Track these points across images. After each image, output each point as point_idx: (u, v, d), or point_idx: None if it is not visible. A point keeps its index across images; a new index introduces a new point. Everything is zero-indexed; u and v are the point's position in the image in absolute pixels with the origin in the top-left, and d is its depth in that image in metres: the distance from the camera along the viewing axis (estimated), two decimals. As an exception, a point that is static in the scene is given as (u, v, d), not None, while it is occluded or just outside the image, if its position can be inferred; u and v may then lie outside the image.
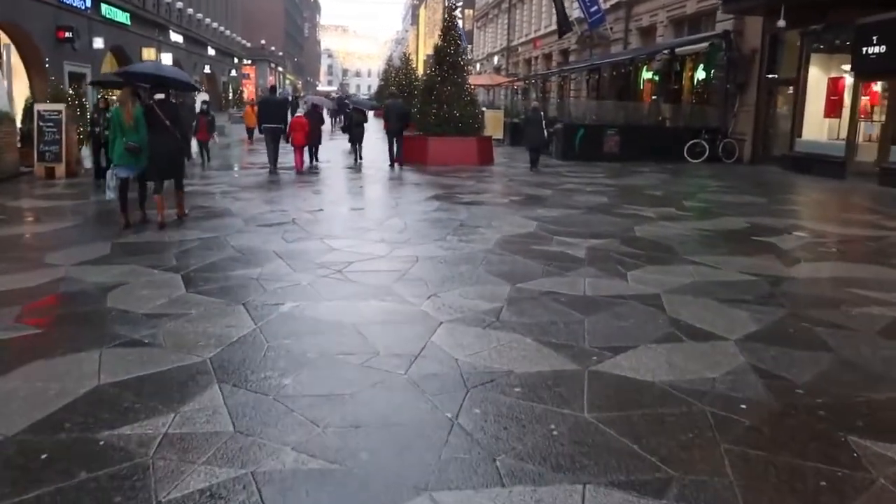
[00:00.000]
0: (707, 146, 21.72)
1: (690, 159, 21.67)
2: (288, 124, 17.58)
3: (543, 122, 19.28)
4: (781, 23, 18.12)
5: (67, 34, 27.87)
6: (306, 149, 17.88)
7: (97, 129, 14.24)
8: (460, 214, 10.46)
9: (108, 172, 9.76)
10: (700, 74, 25.78)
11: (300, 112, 22.29)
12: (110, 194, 9.65)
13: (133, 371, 4.28)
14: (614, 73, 31.38)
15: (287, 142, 17.24)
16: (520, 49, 51.85)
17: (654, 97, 27.69)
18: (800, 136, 19.43)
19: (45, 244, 8.18)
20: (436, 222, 9.77)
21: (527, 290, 6.21)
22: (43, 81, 26.49)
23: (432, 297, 5.93)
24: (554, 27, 42.25)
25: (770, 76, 21.17)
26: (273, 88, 22.80)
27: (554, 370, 4.37)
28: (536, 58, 47.29)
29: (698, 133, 22.03)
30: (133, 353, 4.58)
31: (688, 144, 21.82)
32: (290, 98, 37.17)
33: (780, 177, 17.48)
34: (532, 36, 47.76)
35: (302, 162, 17.22)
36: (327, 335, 4.99)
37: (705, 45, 23.53)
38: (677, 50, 24.59)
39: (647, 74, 29.93)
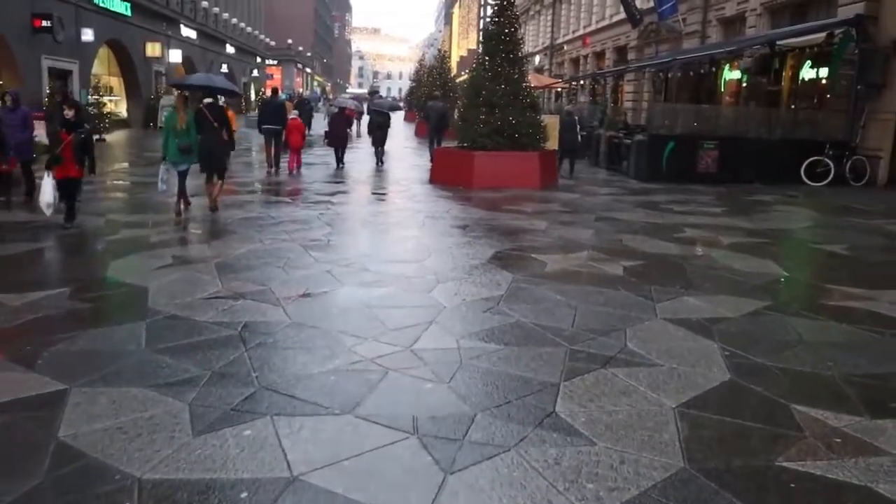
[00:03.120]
0: (832, 165, 16.66)
1: (809, 181, 16.68)
2: (286, 125, 17.09)
3: (577, 126, 18.92)
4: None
5: (45, 23, 23.55)
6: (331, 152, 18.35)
7: None
8: (560, 315, 5.62)
9: (161, 167, 10.29)
10: (809, 73, 20.72)
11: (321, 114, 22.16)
12: (162, 186, 10.32)
13: None
14: (687, 73, 26.44)
15: (285, 145, 17.06)
16: (565, 47, 46.90)
17: (743, 101, 22.62)
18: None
19: None
20: (521, 342, 4.95)
21: None
22: (15, 78, 22.33)
23: None
24: (608, 22, 37.57)
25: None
26: (275, 91, 20.48)
27: None
28: (586, 56, 42.34)
29: (819, 148, 16.97)
30: None
31: (806, 162, 16.81)
32: (312, 100, 33.58)
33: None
34: (581, 32, 42.85)
35: (296, 164, 17.00)
36: None
37: (821, 35, 18.34)
38: (779, 43, 19.40)
39: (731, 74, 24.90)
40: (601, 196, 13.70)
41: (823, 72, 19.95)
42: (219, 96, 12.79)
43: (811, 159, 16.81)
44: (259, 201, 12.12)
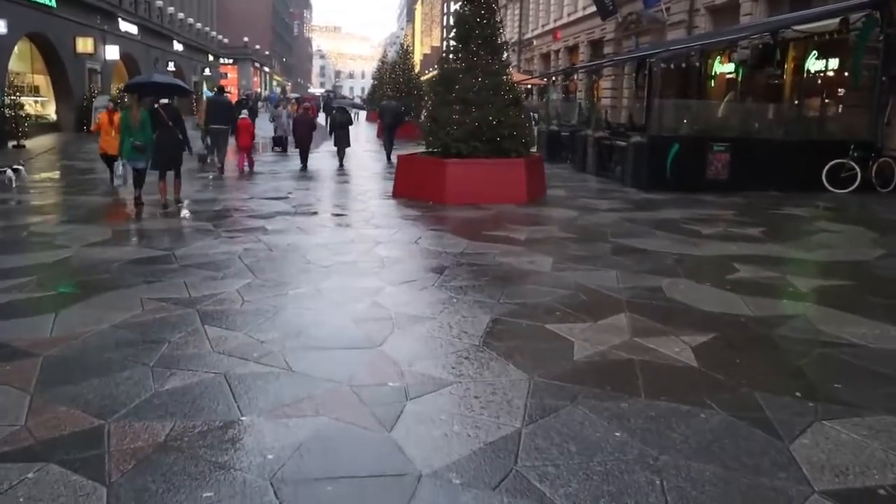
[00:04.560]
0: (858, 169, 14.36)
1: (832, 188, 14.35)
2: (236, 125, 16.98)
3: (532, 122, 19.67)
4: None
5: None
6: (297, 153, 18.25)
7: None
8: (636, 491, 2.99)
9: (116, 163, 11.68)
10: (816, 64, 18.43)
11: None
12: (118, 182, 11.76)
13: None
14: (673, 66, 24.10)
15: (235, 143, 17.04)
16: (535, 42, 44.56)
17: (739, 96, 20.31)
18: None
19: None
20: None
21: None
22: None
23: None
24: (580, 14, 35.21)
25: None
26: (221, 89, 19.23)
27: None
28: (557, 52, 39.98)
29: (840, 149, 14.66)
30: None
31: (828, 166, 14.47)
32: (272, 100, 31.73)
33: None
34: (551, 26, 40.52)
35: (245, 163, 16.88)
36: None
37: (835, 21, 16.02)
38: (795, 29, 17.02)
39: (723, 67, 22.61)
40: (604, 213, 11.13)
41: (834, 62, 17.74)
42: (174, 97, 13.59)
43: (833, 162, 14.50)
44: (171, 229, 9.31)
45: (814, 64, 18.44)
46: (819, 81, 18.14)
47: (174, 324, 5.18)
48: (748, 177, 14.28)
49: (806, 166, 14.45)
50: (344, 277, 6.70)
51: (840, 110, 16.73)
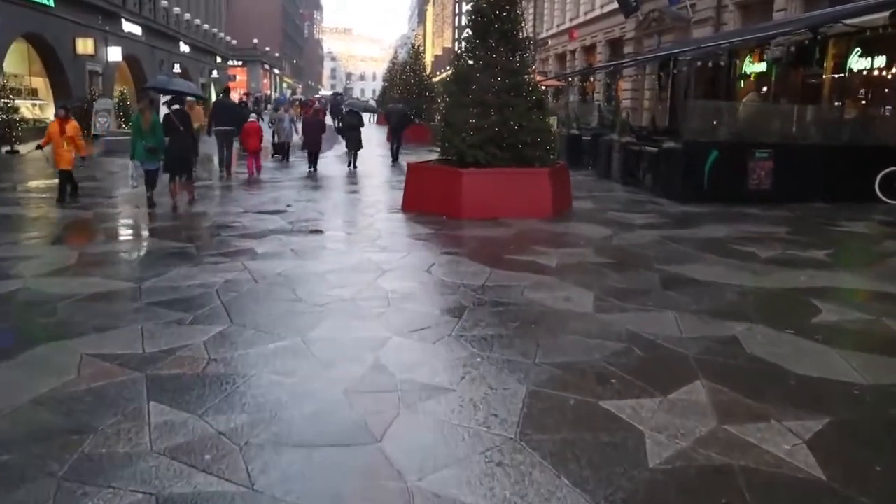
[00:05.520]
0: (914, 177, 13.06)
1: (885, 198, 13.04)
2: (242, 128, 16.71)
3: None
4: None
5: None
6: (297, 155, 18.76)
7: None
8: None
9: (130, 165, 11.28)
10: (859, 63, 17.05)
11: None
12: (133, 183, 11.34)
13: None
14: (701, 66, 22.83)
15: (242, 147, 16.84)
16: (550, 42, 43.26)
17: (772, 98, 19.00)
18: None
19: None
20: None
21: None
22: None
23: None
24: (597, 13, 33.96)
25: None
26: (227, 91, 19.04)
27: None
28: (573, 52, 38.69)
29: (892, 155, 13.33)
30: None
31: (881, 174, 13.17)
32: (280, 103, 31.64)
33: None
34: (567, 26, 39.23)
35: (255, 168, 16.39)
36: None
37: (883, 15, 14.69)
38: (846, 24, 15.62)
39: (754, 66, 21.27)
40: (640, 230, 9.82)
41: (881, 60, 16.39)
42: (186, 98, 14.29)
43: (888, 170, 13.16)
44: (146, 251, 8.09)
45: (857, 62, 17.09)
46: (865, 81, 16.80)
47: (112, 399, 3.93)
48: (792, 186, 12.99)
49: (855, 174, 13.15)
50: (339, 322, 5.43)
51: (890, 112, 15.38)
